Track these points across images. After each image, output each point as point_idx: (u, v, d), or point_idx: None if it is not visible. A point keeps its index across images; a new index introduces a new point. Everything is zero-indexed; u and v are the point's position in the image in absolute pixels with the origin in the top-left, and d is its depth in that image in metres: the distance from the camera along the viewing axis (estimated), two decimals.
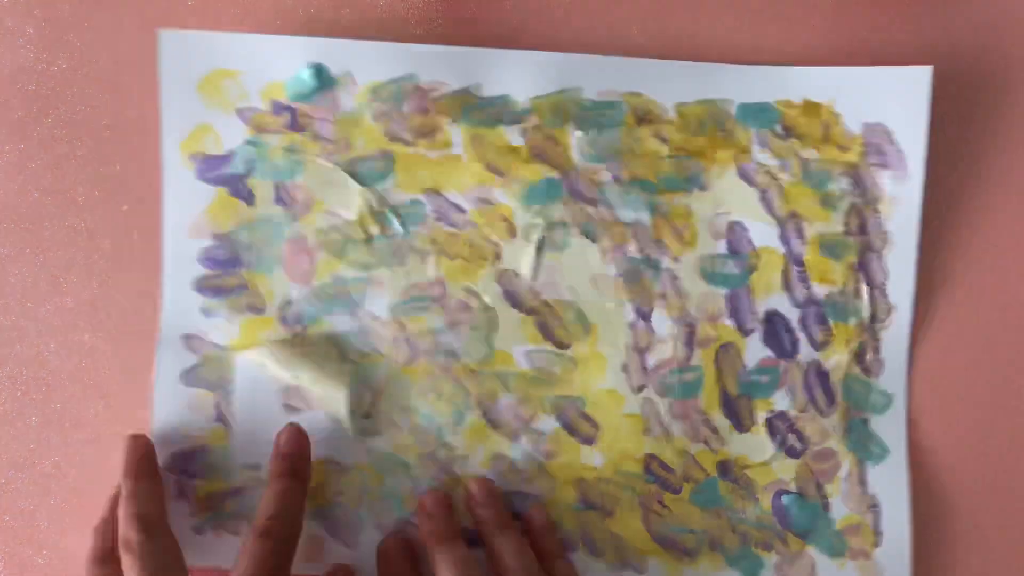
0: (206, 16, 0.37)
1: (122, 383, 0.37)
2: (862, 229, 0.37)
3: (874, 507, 0.37)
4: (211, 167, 0.36)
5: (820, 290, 0.37)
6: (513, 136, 0.37)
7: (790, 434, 0.37)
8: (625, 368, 0.37)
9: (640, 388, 0.37)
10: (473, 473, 0.37)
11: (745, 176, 0.37)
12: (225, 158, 0.36)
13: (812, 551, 0.37)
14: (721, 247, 0.37)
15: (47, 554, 0.37)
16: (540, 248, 0.37)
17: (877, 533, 0.37)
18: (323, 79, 0.36)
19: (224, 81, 0.36)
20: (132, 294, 0.37)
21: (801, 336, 0.37)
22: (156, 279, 0.37)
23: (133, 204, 0.37)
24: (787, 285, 0.37)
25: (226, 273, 0.37)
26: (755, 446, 0.37)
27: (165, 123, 0.36)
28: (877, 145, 0.37)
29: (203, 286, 0.37)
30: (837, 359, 0.37)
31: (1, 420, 0.37)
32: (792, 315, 0.37)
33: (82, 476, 0.37)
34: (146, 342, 0.37)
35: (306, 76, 0.36)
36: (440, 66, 0.36)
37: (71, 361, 0.37)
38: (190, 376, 0.36)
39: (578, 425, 0.37)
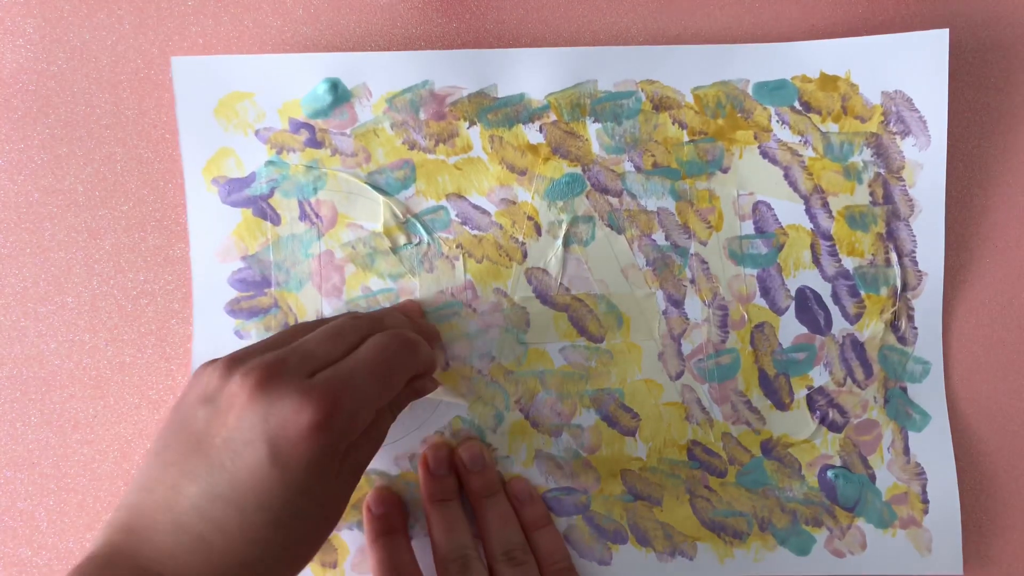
0: (213, 20, 0.37)
1: (122, 383, 0.37)
2: (888, 198, 0.37)
3: (920, 475, 0.37)
4: (234, 190, 0.36)
5: (850, 262, 0.37)
6: (532, 134, 0.37)
7: (830, 409, 0.37)
8: (661, 356, 0.37)
9: (678, 375, 0.37)
10: (517, 474, 0.37)
11: (767, 155, 0.37)
12: (247, 180, 0.36)
13: (861, 523, 0.37)
14: (748, 228, 0.37)
15: (47, 554, 0.37)
16: (567, 244, 0.37)
17: (925, 500, 0.37)
18: (338, 93, 0.36)
19: (240, 103, 0.36)
20: (132, 294, 0.37)
21: (834, 310, 0.37)
22: (157, 278, 0.37)
23: (133, 204, 0.37)
24: (816, 260, 0.37)
25: (257, 294, 0.37)
26: (797, 423, 0.37)
27: (185, 150, 0.36)
28: (897, 113, 0.37)
29: (235, 308, 0.37)
30: (872, 330, 0.37)
31: (1, 420, 0.37)
32: (824, 290, 0.37)
33: (82, 476, 0.37)
34: (146, 342, 0.37)
35: (321, 92, 0.36)
36: (454, 70, 0.36)
37: (71, 361, 0.37)
38: None
39: (618, 417, 0.37)
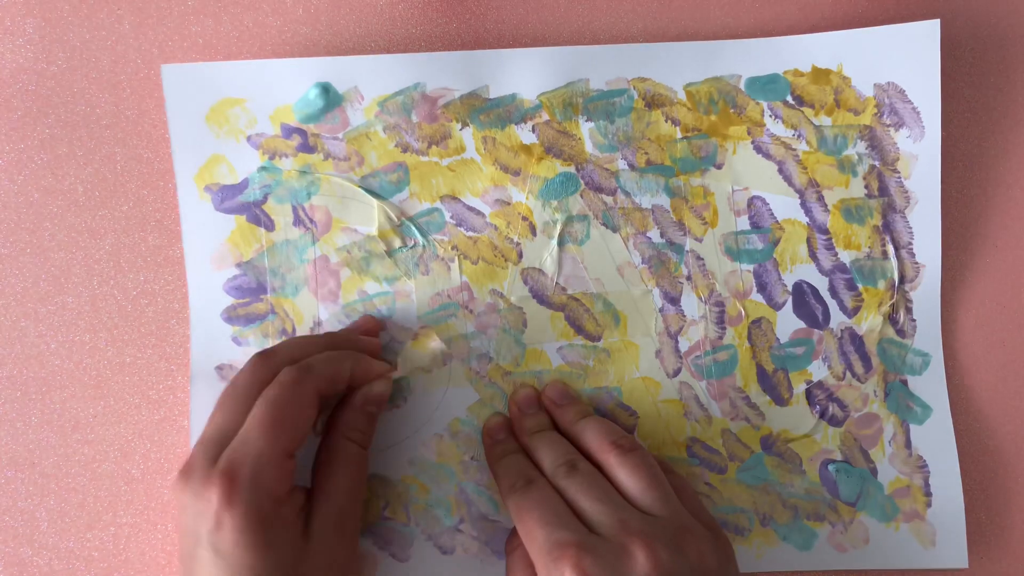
0: (213, 20, 0.37)
1: (122, 383, 0.37)
2: (883, 190, 0.37)
3: (922, 468, 0.37)
4: (227, 196, 0.36)
5: (846, 256, 0.37)
6: (525, 134, 0.37)
7: (830, 403, 0.37)
8: (658, 354, 0.37)
9: (675, 372, 0.37)
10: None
11: (760, 150, 0.37)
12: (240, 186, 0.36)
13: (864, 517, 0.37)
14: (743, 223, 0.37)
15: (47, 554, 0.37)
16: (562, 243, 0.37)
17: (928, 494, 0.37)
18: (330, 97, 0.36)
19: (232, 109, 0.36)
20: (132, 294, 0.37)
21: (832, 304, 0.37)
22: (156, 278, 0.37)
23: (133, 204, 0.37)
24: (813, 254, 0.37)
25: (253, 300, 0.37)
26: (796, 418, 0.37)
27: (177, 158, 0.36)
28: (890, 104, 0.36)
29: (232, 316, 0.37)
30: (870, 323, 0.37)
31: (1, 420, 0.37)
32: (821, 284, 0.37)
33: (82, 476, 0.37)
34: (146, 342, 0.37)
35: (313, 96, 0.36)
36: (446, 72, 0.36)
37: (71, 361, 0.37)
38: None
39: (617, 415, 0.37)
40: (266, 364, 0.32)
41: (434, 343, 0.36)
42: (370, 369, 0.34)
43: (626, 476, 0.32)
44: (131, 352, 0.37)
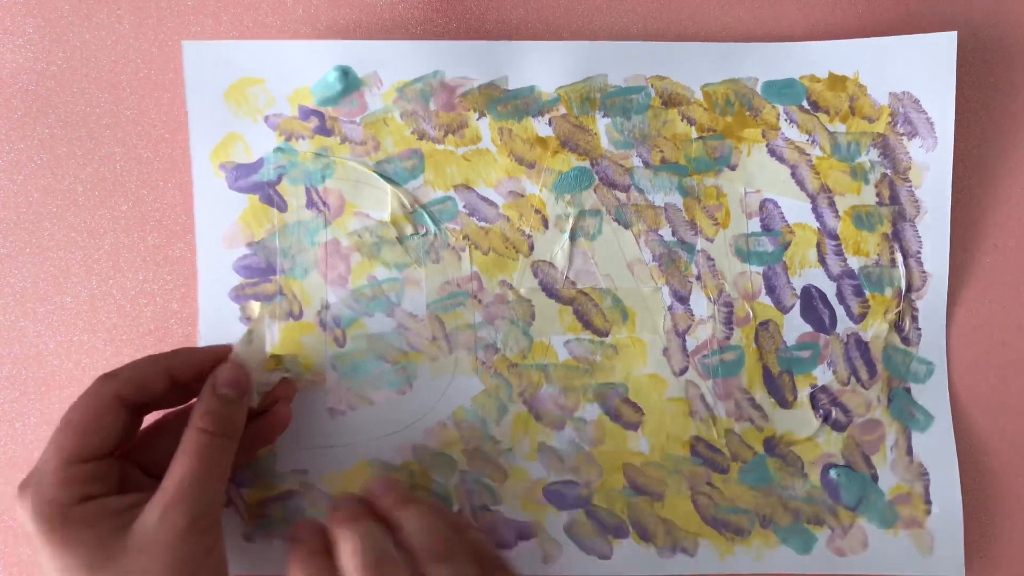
0: (213, 20, 0.37)
1: None
2: (894, 199, 0.37)
3: (923, 475, 0.37)
4: (242, 175, 0.36)
5: (855, 262, 0.37)
6: (541, 127, 0.37)
7: (834, 407, 0.37)
8: (666, 352, 0.37)
9: (682, 371, 0.37)
10: (520, 467, 0.37)
11: (774, 153, 0.37)
12: (255, 166, 0.36)
13: (863, 523, 0.37)
14: (754, 225, 0.37)
15: None
16: (573, 237, 0.37)
17: (928, 501, 0.37)
18: (349, 81, 0.36)
19: (250, 89, 0.36)
20: (132, 294, 0.37)
21: (839, 309, 0.37)
22: (156, 278, 0.37)
23: (133, 204, 0.37)
24: (822, 259, 0.37)
25: (262, 280, 0.36)
26: (800, 421, 0.37)
27: (193, 134, 0.36)
28: (904, 114, 0.37)
29: (240, 295, 0.37)
30: (876, 330, 0.37)
31: (1, 420, 0.37)
32: (829, 289, 0.37)
33: None
34: (146, 342, 0.37)
35: (332, 79, 0.36)
36: (465, 61, 0.36)
37: (71, 361, 0.37)
38: None
39: (622, 412, 0.37)
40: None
41: (256, 317, 0.35)
42: (193, 360, 0.32)
43: (413, 533, 0.30)
44: (130, 352, 0.37)
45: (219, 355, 0.33)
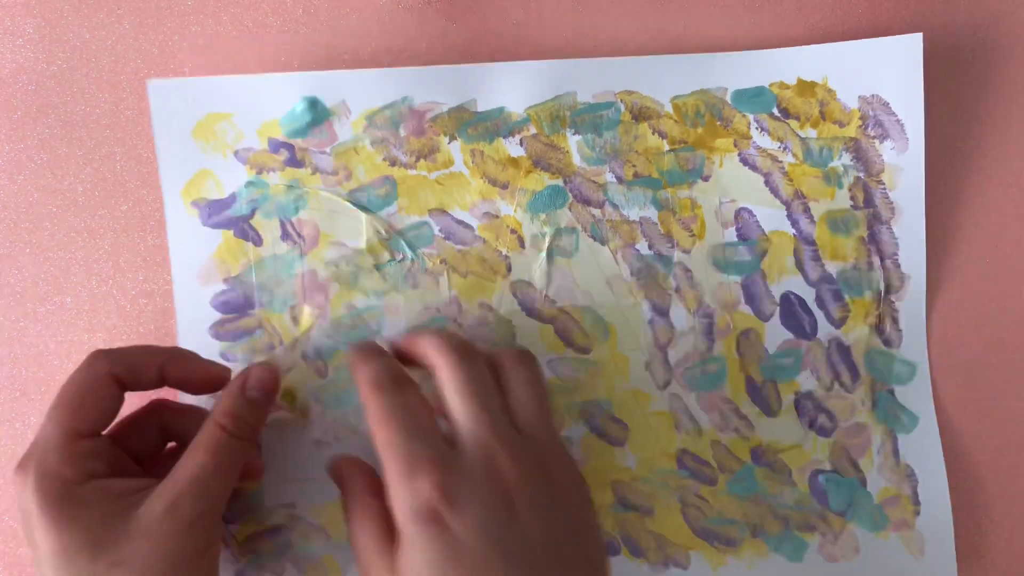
0: (213, 20, 0.37)
1: None
2: (868, 202, 0.37)
3: (910, 476, 0.37)
4: (214, 211, 0.36)
5: (833, 267, 0.37)
6: (512, 147, 0.37)
7: (819, 413, 0.37)
8: (648, 366, 0.37)
9: (665, 384, 0.37)
10: None
11: (747, 162, 0.37)
12: (227, 201, 0.36)
13: (854, 527, 0.37)
14: (730, 235, 0.37)
15: None
16: (551, 256, 0.37)
17: (916, 503, 0.37)
18: (317, 112, 0.36)
19: (219, 124, 0.36)
20: (132, 294, 0.37)
21: (819, 315, 0.37)
22: (155, 278, 0.37)
23: (133, 204, 0.37)
24: (800, 266, 0.37)
25: (241, 316, 0.36)
26: (785, 429, 0.37)
27: (163, 172, 0.36)
28: (875, 117, 0.37)
29: (220, 331, 0.36)
30: (857, 334, 0.37)
31: (1, 420, 0.37)
32: (808, 295, 0.37)
33: None
34: (145, 342, 0.37)
35: (300, 110, 0.36)
36: (433, 86, 0.36)
37: (71, 361, 0.37)
38: None
39: (607, 428, 0.37)
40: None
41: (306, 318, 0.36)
42: (189, 366, 0.33)
43: (518, 383, 0.31)
44: None
45: (215, 374, 0.33)
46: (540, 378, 0.32)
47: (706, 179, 0.37)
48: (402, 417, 0.29)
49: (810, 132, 0.37)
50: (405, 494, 0.28)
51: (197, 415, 0.34)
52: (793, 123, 0.37)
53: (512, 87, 0.36)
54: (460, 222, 0.37)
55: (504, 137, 0.37)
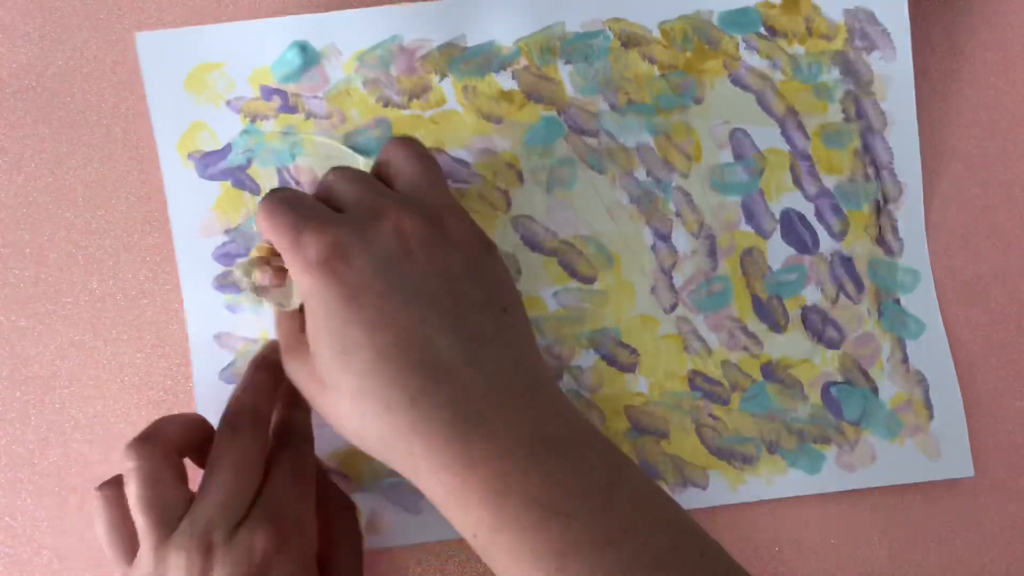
0: (191, 9, 0.37)
1: (122, 383, 0.37)
2: (860, 113, 0.37)
3: (921, 381, 0.37)
4: (211, 163, 0.36)
5: (830, 180, 0.37)
6: (504, 81, 0.37)
7: (826, 326, 0.37)
8: (654, 291, 0.37)
9: (672, 307, 0.37)
10: None
11: (738, 82, 0.37)
12: (223, 152, 0.36)
13: (869, 436, 0.37)
14: (727, 156, 0.37)
15: (47, 554, 0.36)
16: (550, 188, 0.37)
17: (929, 407, 0.37)
18: (308, 56, 0.36)
19: (210, 74, 0.36)
20: (132, 294, 0.37)
21: (820, 229, 0.37)
22: (156, 278, 0.37)
23: (133, 204, 0.37)
24: (797, 181, 0.37)
25: None
26: (794, 344, 0.37)
27: (157, 127, 0.36)
28: (861, 29, 0.37)
29: (223, 283, 0.36)
30: (858, 245, 0.37)
31: (1, 420, 0.37)
32: (807, 210, 0.37)
33: (82, 476, 0.37)
34: (146, 342, 0.37)
35: (291, 56, 0.36)
36: (422, 23, 0.36)
37: (71, 361, 0.37)
38: (228, 373, 0.36)
39: (617, 355, 0.37)
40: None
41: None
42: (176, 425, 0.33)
43: (401, 159, 0.31)
44: (131, 352, 0.37)
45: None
46: (422, 153, 0.31)
47: (698, 102, 0.37)
48: (287, 203, 0.29)
49: (798, 48, 0.37)
50: (297, 256, 0.28)
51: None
52: (781, 41, 0.37)
53: (500, 20, 0.37)
54: (457, 160, 0.37)
55: (495, 71, 0.37)
